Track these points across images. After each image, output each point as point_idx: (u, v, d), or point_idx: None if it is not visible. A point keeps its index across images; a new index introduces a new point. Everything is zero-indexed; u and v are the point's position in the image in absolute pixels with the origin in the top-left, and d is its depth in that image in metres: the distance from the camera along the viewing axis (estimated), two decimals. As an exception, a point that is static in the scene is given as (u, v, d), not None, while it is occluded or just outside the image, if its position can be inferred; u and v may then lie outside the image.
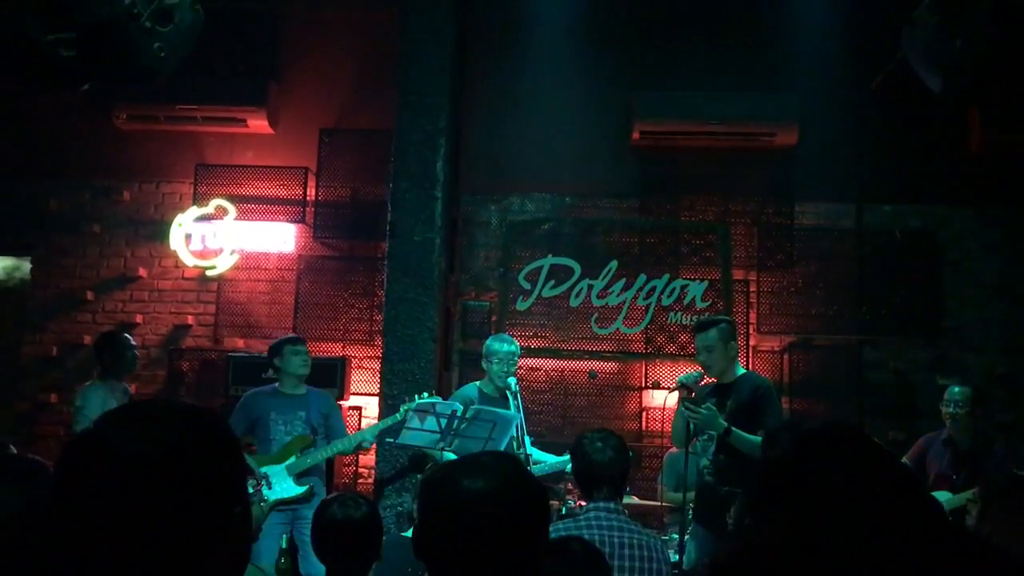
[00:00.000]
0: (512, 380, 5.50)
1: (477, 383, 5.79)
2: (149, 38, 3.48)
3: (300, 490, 5.53)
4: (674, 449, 5.93)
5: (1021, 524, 3.32)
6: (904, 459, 5.32)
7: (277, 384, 5.83)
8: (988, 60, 3.59)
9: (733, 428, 4.69)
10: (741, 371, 5.15)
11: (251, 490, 5.39)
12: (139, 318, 7.65)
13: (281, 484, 5.53)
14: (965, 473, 5.13)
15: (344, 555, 3.02)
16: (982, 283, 7.41)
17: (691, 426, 4.88)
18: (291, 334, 6.30)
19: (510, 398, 5.50)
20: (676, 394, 5.24)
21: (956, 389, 5.39)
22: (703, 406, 4.80)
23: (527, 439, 5.50)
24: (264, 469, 5.52)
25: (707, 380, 5.15)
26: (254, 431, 5.71)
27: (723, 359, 5.01)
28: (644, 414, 7.38)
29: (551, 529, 3.43)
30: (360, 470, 7.30)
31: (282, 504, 5.50)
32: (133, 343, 6.39)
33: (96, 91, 6.42)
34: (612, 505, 3.48)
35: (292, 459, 5.58)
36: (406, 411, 5.30)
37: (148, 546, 1.13)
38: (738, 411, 4.87)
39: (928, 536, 1.44)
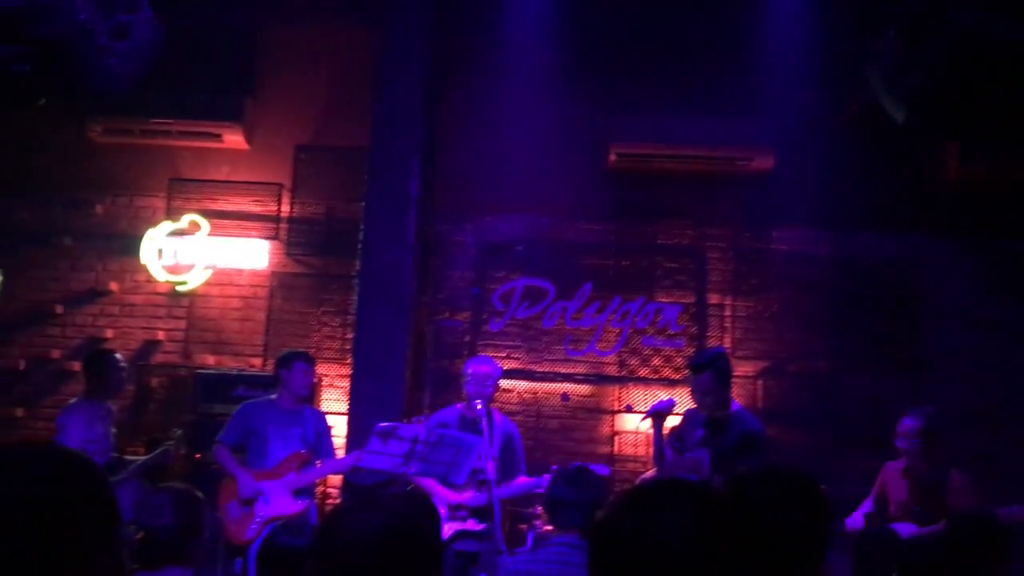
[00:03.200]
0: (477, 402, 5.42)
1: (459, 406, 5.71)
2: (105, 54, 3.44)
3: (297, 507, 5.45)
4: (648, 473, 5.87)
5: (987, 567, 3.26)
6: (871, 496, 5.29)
7: (274, 397, 5.72)
8: (950, 92, 3.58)
9: (714, 475, 4.61)
10: (735, 407, 5.04)
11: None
12: (109, 333, 7.57)
13: (278, 500, 5.46)
14: (929, 505, 5.09)
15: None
16: (957, 312, 7.39)
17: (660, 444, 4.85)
18: (301, 349, 6.11)
19: (484, 421, 5.41)
20: (648, 422, 5.19)
21: (907, 420, 5.35)
22: (689, 455, 4.73)
23: (494, 465, 5.40)
24: (261, 484, 5.45)
25: (679, 405, 5.12)
26: (247, 442, 5.62)
27: (718, 400, 4.91)
28: (616, 438, 7.33)
29: (514, 567, 3.44)
30: (328, 490, 7.22)
31: (276, 520, 5.37)
32: (123, 364, 6.18)
33: (70, 104, 6.38)
34: (576, 540, 3.41)
35: (289, 476, 5.50)
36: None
37: None
38: (726, 451, 4.78)
39: None
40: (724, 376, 4.90)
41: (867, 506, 5.29)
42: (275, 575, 3.08)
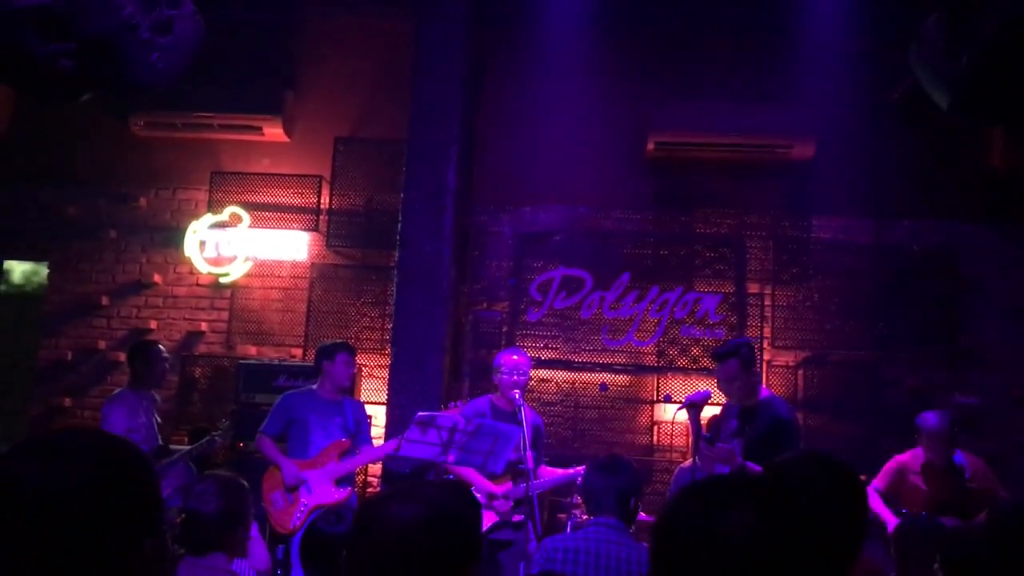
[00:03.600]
0: (516, 392, 5.44)
1: (490, 396, 5.75)
2: (148, 49, 3.49)
3: (339, 495, 5.53)
4: (685, 463, 5.87)
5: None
6: (874, 483, 5.26)
7: (315, 387, 5.81)
8: (995, 77, 3.51)
9: (747, 464, 4.61)
10: (765, 394, 5.06)
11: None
12: (153, 324, 7.69)
13: (321, 488, 5.53)
14: (956, 494, 5.14)
15: (327, 570, 3.00)
16: (1000, 302, 7.27)
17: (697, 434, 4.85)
18: (342, 340, 6.21)
19: (518, 412, 5.44)
20: (684, 413, 5.17)
21: (931, 420, 5.35)
22: (720, 446, 4.76)
23: (532, 455, 5.44)
24: (304, 473, 5.53)
25: (716, 396, 5.12)
26: (289, 431, 5.71)
27: (745, 387, 4.95)
28: (655, 428, 7.31)
29: (552, 544, 3.49)
30: (369, 479, 7.29)
31: (320, 508, 5.46)
32: (166, 355, 6.34)
33: (113, 98, 6.48)
34: (613, 521, 3.55)
35: (331, 464, 5.59)
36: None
37: None
38: (757, 440, 4.81)
39: None
40: (748, 363, 4.94)
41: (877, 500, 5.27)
42: (317, 562, 3.13)
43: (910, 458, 5.42)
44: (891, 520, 5.08)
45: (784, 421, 4.85)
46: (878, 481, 5.37)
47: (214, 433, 6.14)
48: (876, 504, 5.24)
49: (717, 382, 5.12)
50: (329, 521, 3.10)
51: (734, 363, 4.90)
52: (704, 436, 4.94)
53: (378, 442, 6.23)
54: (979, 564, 3.18)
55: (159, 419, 6.26)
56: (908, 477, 5.34)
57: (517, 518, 5.26)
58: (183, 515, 3.17)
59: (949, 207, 7.30)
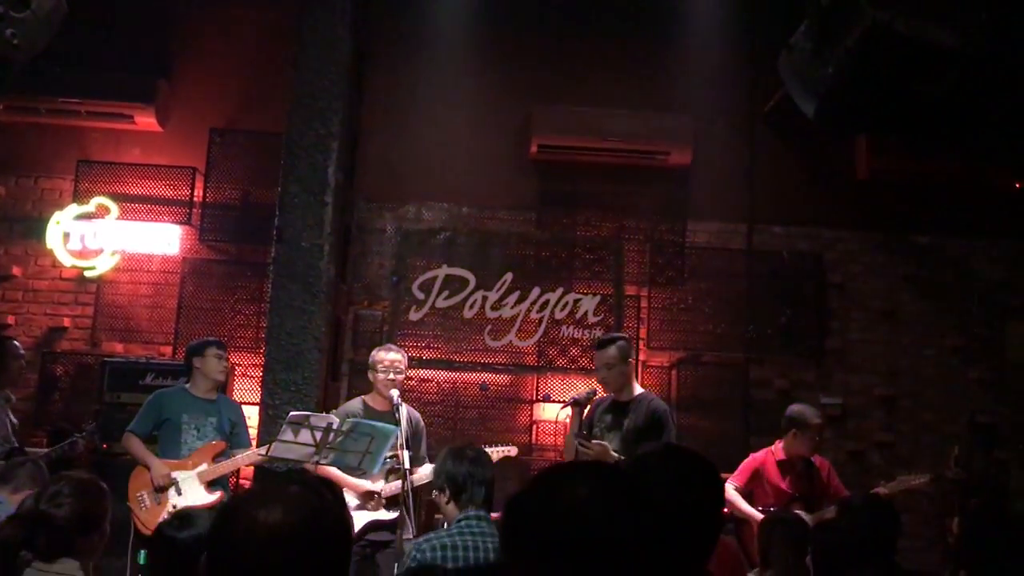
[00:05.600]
0: (395, 392, 5.36)
1: (363, 397, 5.65)
2: (1, 24, 3.28)
3: (211, 498, 5.32)
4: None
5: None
6: (730, 481, 5.43)
7: (187, 385, 5.61)
8: (859, 87, 3.66)
9: (621, 459, 4.69)
10: (639, 390, 5.20)
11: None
12: (11, 319, 7.30)
13: (191, 491, 5.32)
14: (812, 490, 5.43)
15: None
16: (865, 306, 7.62)
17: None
18: (212, 337, 6.04)
19: (396, 411, 5.35)
20: (568, 411, 5.23)
21: (807, 413, 5.56)
22: (594, 441, 4.87)
23: (409, 454, 5.35)
24: (174, 474, 5.33)
25: (600, 395, 5.19)
26: (160, 431, 5.50)
27: (621, 376, 5.10)
28: (535, 427, 7.35)
29: (427, 542, 3.42)
30: (242, 481, 7.07)
31: None
32: (22, 352, 6.07)
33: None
34: (484, 513, 3.50)
35: (204, 466, 5.38)
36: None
37: None
38: (633, 432, 4.93)
39: None
40: (625, 354, 5.10)
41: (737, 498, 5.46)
42: (169, 568, 2.94)
43: (764, 455, 5.61)
44: (754, 514, 5.24)
45: (662, 412, 4.99)
46: (736, 479, 5.53)
47: (76, 435, 5.85)
48: (737, 501, 5.40)
49: (596, 369, 5.27)
50: (173, 525, 2.91)
51: (614, 350, 5.07)
52: (579, 434, 5.01)
53: (254, 444, 6.05)
54: (844, 548, 3.42)
55: (14, 420, 5.92)
56: (764, 474, 5.52)
57: (389, 516, 5.19)
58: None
59: (817, 214, 7.62)
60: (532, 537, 1.45)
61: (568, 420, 5.23)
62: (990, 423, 7.30)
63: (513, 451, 5.58)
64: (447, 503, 3.58)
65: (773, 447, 5.63)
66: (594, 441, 4.89)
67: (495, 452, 5.35)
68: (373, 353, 5.59)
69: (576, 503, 1.43)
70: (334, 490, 1.76)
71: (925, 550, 6.76)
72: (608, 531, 1.41)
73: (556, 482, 1.51)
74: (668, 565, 1.79)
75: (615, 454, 4.75)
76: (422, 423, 5.64)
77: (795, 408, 5.63)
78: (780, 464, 5.51)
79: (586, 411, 5.18)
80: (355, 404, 5.55)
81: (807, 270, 7.59)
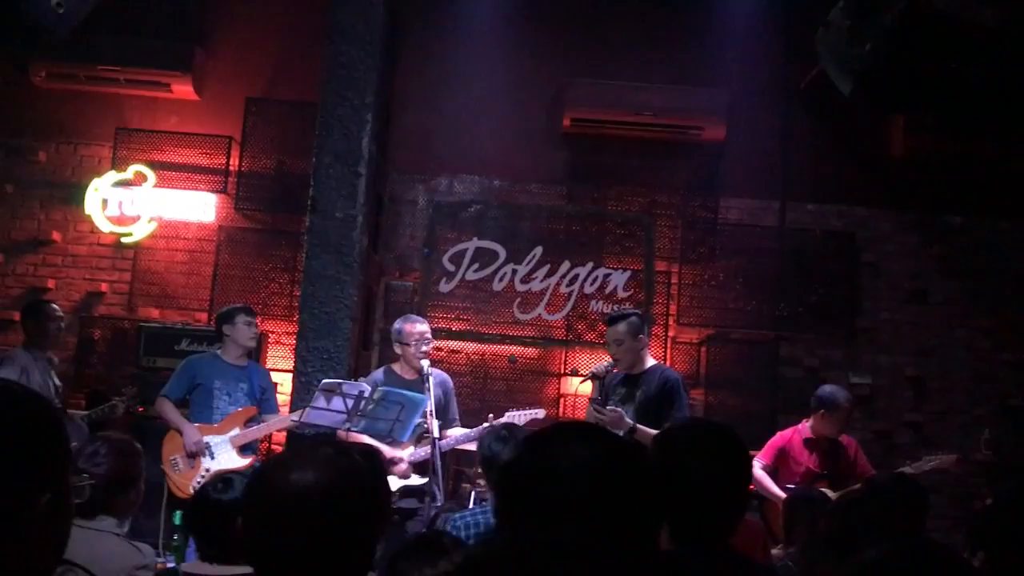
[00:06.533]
0: (425, 363, 5.43)
1: (388, 366, 5.73)
2: (47, -7, 3.34)
3: (243, 462, 5.44)
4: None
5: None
6: (756, 460, 5.45)
7: (219, 351, 5.72)
8: (895, 65, 3.63)
9: (638, 425, 4.75)
10: (651, 363, 5.23)
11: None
12: (51, 283, 7.43)
13: (224, 455, 5.44)
14: (838, 468, 5.44)
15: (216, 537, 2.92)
16: (897, 285, 7.56)
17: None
18: (242, 304, 6.15)
19: (424, 380, 5.42)
20: (589, 384, 5.29)
21: (841, 395, 5.56)
22: (608, 407, 4.93)
23: (438, 423, 5.42)
24: (207, 439, 5.44)
25: (617, 370, 5.23)
26: (192, 396, 5.62)
27: (631, 352, 5.11)
28: (562, 400, 7.39)
29: (461, 519, 3.48)
30: (274, 447, 7.20)
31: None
32: (59, 315, 6.20)
33: (11, 47, 6.19)
34: None
35: (235, 431, 5.50)
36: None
37: None
38: (646, 403, 4.99)
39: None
40: (635, 331, 5.10)
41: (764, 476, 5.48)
42: (204, 529, 3.02)
43: (791, 433, 5.62)
44: (780, 495, 5.27)
45: (674, 382, 5.04)
46: (762, 457, 5.55)
47: (116, 399, 6.00)
48: (764, 480, 5.42)
49: (606, 345, 5.30)
50: (217, 488, 3.00)
51: (623, 327, 5.08)
52: (594, 399, 5.06)
53: (284, 410, 6.16)
54: (867, 525, 3.43)
55: (58, 382, 6.07)
56: (790, 451, 5.54)
57: (418, 483, 5.27)
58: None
59: (851, 192, 7.56)
60: (529, 494, 1.42)
61: (590, 393, 5.30)
62: (1021, 406, 7.27)
63: (541, 413, 5.63)
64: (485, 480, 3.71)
65: (800, 425, 5.64)
66: (608, 407, 4.94)
67: (523, 415, 5.43)
68: (399, 325, 5.63)
69: (572, 462, 1.41)
70: (372, 455, 1.77)
71: (951, 530, 6.75)
72: (601, 488, 1.40)
73: (552, 442, 1.49)
74: (692, 537, 1.84)
75: (630, 421, 4.81)
76: (450, 383, 5.73)
77: (826, 388, 5.64)
78: (807, 442, 5.53)
79: (605, 383, 5.25)
80: (378, 374, 5.64)
81: (839, 248, 7.54)
